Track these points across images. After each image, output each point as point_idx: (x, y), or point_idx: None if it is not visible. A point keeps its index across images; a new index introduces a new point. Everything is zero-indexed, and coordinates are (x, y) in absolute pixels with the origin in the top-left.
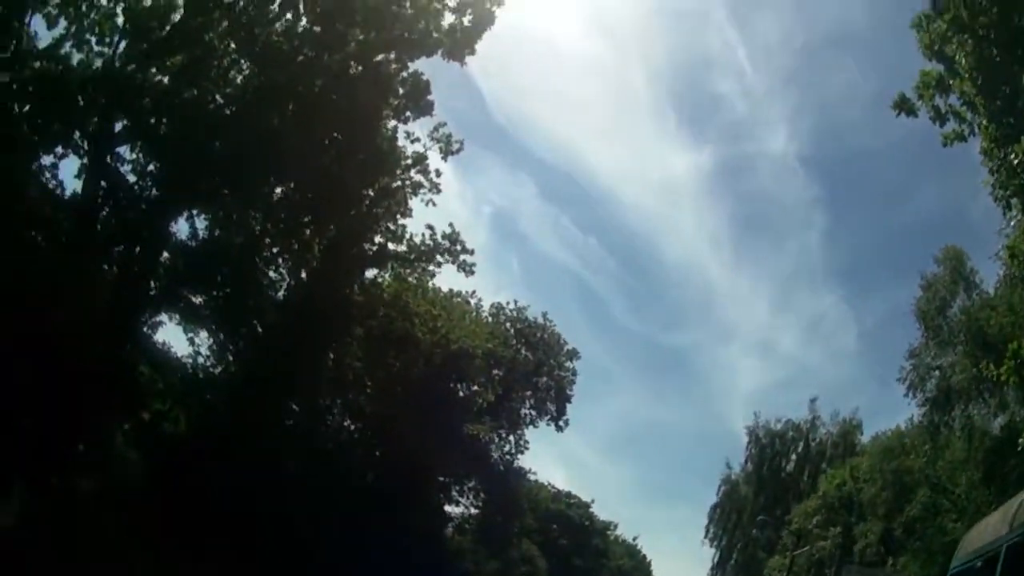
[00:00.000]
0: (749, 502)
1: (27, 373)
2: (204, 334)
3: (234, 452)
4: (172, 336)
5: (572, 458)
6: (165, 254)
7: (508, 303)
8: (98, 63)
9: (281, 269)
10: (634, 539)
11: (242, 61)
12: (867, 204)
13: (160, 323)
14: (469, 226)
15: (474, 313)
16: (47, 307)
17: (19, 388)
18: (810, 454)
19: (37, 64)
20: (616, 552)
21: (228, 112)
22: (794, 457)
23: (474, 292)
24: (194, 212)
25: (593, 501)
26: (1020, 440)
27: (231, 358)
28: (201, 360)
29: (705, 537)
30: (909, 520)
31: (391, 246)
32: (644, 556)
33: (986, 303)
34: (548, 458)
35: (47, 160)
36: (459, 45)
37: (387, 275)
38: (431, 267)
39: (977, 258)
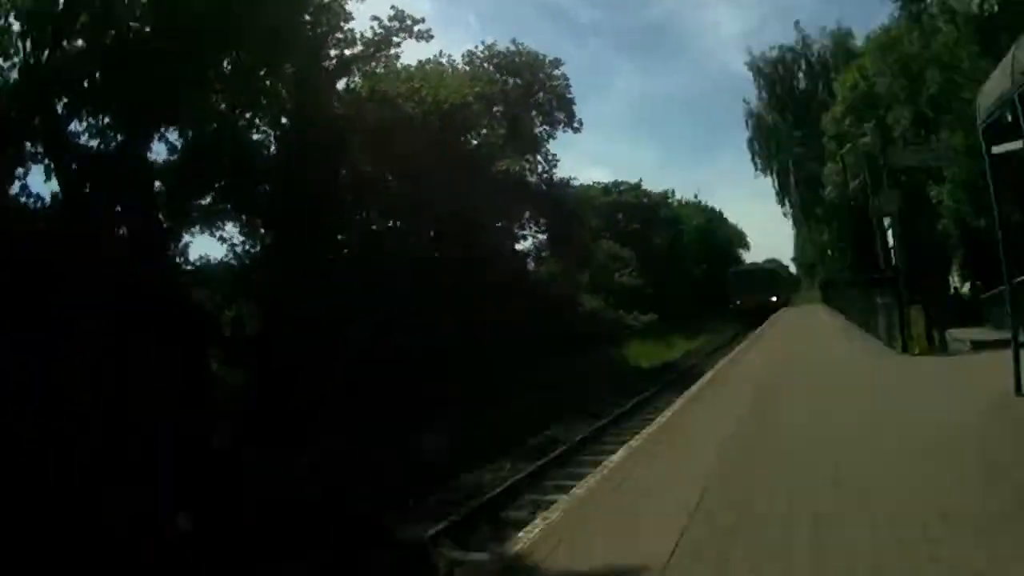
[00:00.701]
0: (779, 125)
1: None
2: (229, 225)
3: (305, 310)
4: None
5: (602, 155)
6: (158, 184)
7: (476, 47)
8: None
9: (263, 128)
10: (695, 196)
11: None
12: None
13: (187, 244)
14: (411, 5)
15: (450, 70)
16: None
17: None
18: (814, 69)
19: None
20: (685, 214)
21: (148, 30)
22: (801, 75)
23: (441, 52)
24: (162, 131)
25: (641, 180)
26: (985, 8)
27: (263, 230)
28: (239, 250)
29: (756, 171)
30: (931, 99)
31: (348, 52)
32: (713, 208)
33: None
34: (580, 165)
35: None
36: None
37: (357, 79)
38: (392, 51)
39: None
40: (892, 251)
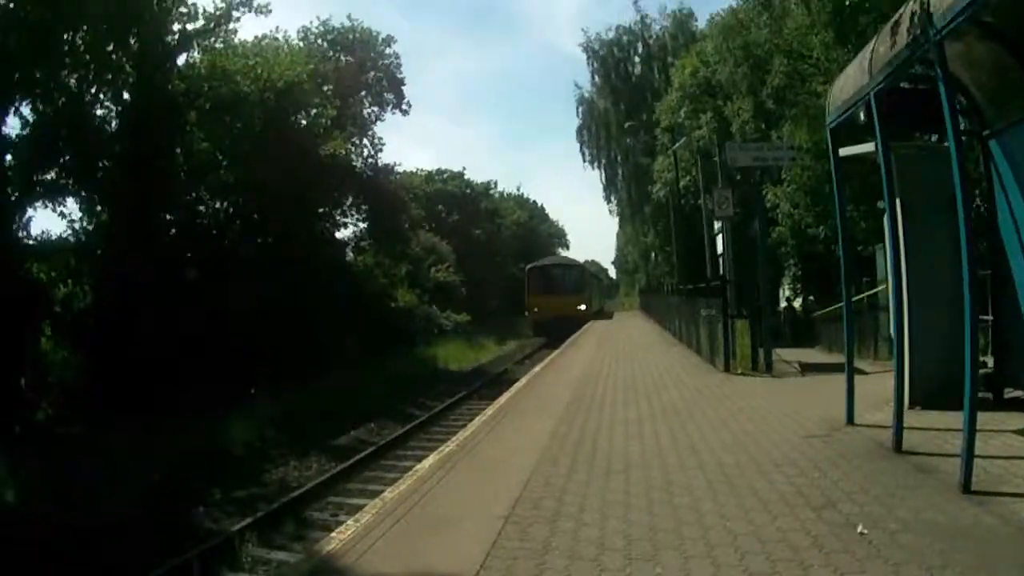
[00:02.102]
0: (611, 114)
1: None
2: (70, 201)
3: (138, 286)
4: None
5: (429, 137)
6: (8, 157)
7: (312, 21)
8: None
9: (107, 104)
10: (518, 189)
11: None
12: None
13: (31, 218)
14: None
15: (285, 46)
16: None
17: None
18: (652, 52)
19: None
20: (507, 208)
21: (8, 3)
22: (637, 60)
23: (277, 27)
24: (16, 105)
25: (464, 168)
26: None
27: (100, 208)
28: (77, 226)
29: (584, 162)
30: (776, 90)
31: (189, 27)
32: (534, 202)
33: None
34: (407, 146)
35: None
36: None
37: (196, 54)
38: (231, 26)
39: None
40: (721, 258)
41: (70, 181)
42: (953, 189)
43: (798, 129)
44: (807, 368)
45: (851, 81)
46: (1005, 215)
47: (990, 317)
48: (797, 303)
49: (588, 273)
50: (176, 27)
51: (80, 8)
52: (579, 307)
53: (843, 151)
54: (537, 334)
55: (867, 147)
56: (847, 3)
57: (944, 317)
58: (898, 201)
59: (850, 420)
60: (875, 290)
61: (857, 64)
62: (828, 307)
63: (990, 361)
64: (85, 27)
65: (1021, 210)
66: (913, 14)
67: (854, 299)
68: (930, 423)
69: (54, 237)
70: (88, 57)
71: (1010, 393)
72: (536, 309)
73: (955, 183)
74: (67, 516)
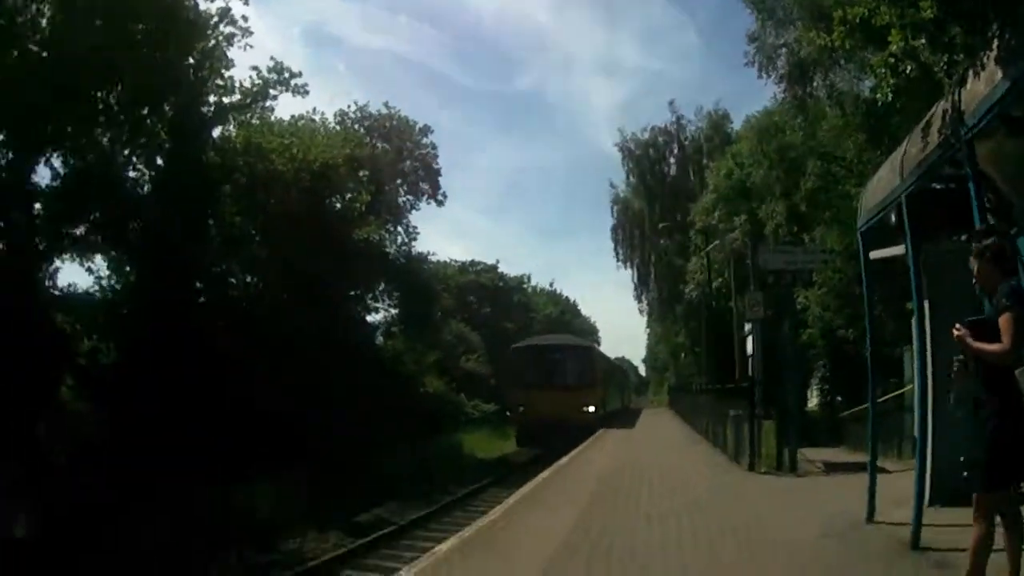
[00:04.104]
0: (645, 215)
1: None
2: (98, 257)
3: (164, 351)
4: (71, 275)
5: (463, 229)
6: (37, 206)
7: (349, 106)
8: None
9: (139, 166)
10: (551, 285)
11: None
12: None
13: (57, 269)
14: (286, 51)
15: (322, 128)
16: None
17: None
18: (687, 153)
19: None
20: (539, 303)
21: (45, 55)
22: (673, 161)
23: (314, 109)
24: (48, 156)
25: (498, 262)
26: (879, 96)
27: (128, 268)
28: (104, 283)
29: (617, 260)
30: (809, 193)
31: (226, 100)
32: (567, 298)
33: None
34: (441, 238)
35: None
36: None
37: (232, 127)
38: (268, 103)
39: None
40: (750, 359)
41: (99, 238)
42: None
43: (830, 232)
44: (831, 467)
45: (883, 184)
46: None
47: None
48: (813, 403)
49: (601, 359)
50: (212, 99)
51: (114, 68)
52: (586, 408)
53: (873, 254)
54: (522, 443)
55: (897, 249)
56: (880, 103)
57: (968, 416)
58: (926, 302)
59: (870, 518)
60: (901, 391)
61: (888, 167)
62: (855, 407)
63: None
64: (120, 87)
65: None
66: (944, 112)
67: (880, 400)
68: (950, 520)
69: (80, 291)
70: (122, 118)
71: None
72: (523, 408)
73: None
74: None
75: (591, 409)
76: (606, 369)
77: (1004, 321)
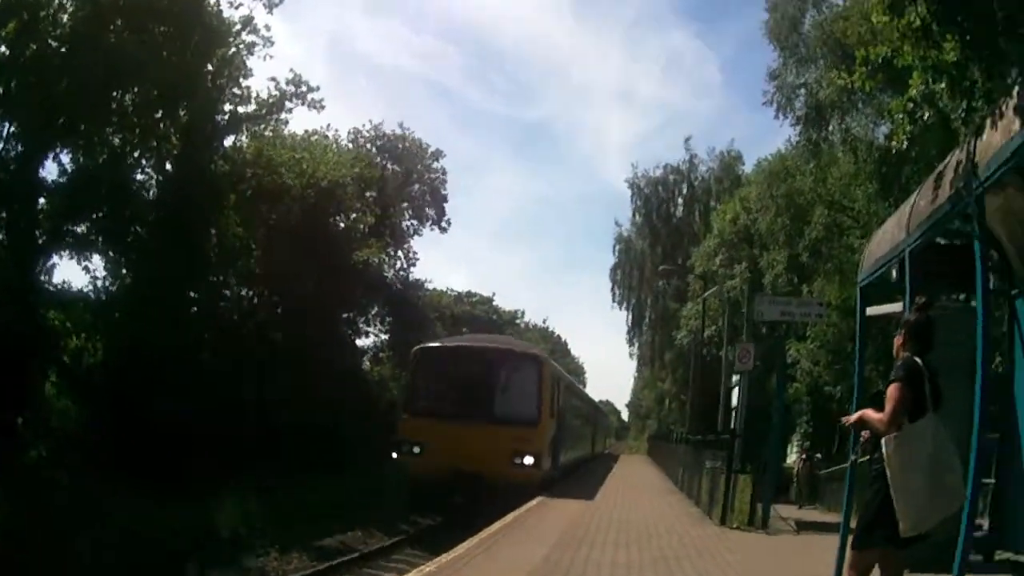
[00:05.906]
0: (647, 256)
1: None
2: (96, 257)
3: (150, 356)
4: (67, 272)
5: (464, 257)
6: (42, 200)
7: (364, 125)
8: None
9: (147, 169)
10: (544, 322)
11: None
12: None
13: (54, 265)
14: (308, 64)
15: (334, 145)
16: None
17: None
18: (696, 194)
19: None
20: (530, 339)
21: (64, 50)
22: (680, 201)
23: (329, 125)
24: (56, 151)
25: (494, 294)
26: (894, 143)
27: (125, 271)
28: (99, 283)
29: (613, 301)
30: (812, 243)
31: (241, 109)
32: (558, 336)
33: (838, 15)
34: (441, 264)
35: None
36: None
37: (244, 138)
38: (283, 115)
39: None
40: (734, 411)
41: (100, 238)
42: (972, 349)
43: (829, 285)
44: (803, 527)
45: (888, 237)
46: (1022, 375)
47: (992, 480)
48: (791, 460)
49: (556, 380)
50: (227, 107)
51: (133, 70)
52: (520, 458)
53: (870, 310)
54: (417, 506)
55: (894, 307)
56: (894, 151)
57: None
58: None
59: None
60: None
61: (895, 220)
62: (834, 467)
63: (986, 523)
64: (136, 88)
65: None
66: (958, 163)
67: (860, 460)
68: None
69: (74, 289)
70: (135, 119)
71: (1000, 555)
72: (418, 449)
73: (978, 343)
74: None
75: (528, 460)
76: (564, 396)
77: (890, 391)
